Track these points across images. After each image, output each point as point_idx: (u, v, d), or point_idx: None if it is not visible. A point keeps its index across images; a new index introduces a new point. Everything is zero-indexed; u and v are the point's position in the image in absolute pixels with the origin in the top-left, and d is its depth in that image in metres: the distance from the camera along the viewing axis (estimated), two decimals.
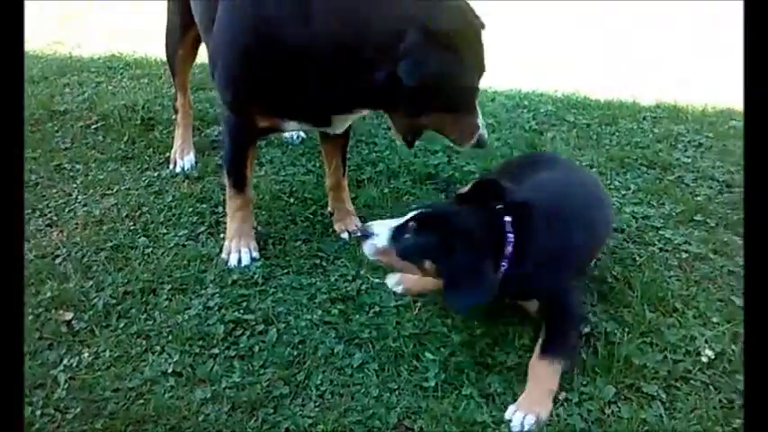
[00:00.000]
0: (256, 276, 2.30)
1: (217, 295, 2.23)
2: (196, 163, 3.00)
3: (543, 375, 1.87)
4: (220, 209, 2.65)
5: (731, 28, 4.86)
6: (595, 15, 5.31)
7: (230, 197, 2.41)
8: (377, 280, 2.29)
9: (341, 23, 1.88)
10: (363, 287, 2.27)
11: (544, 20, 5.26)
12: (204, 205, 2.70)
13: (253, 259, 2.38)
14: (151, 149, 3.13)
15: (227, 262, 2.37)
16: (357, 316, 2.14)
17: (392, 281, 2.26)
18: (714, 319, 2.14)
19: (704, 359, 1.98)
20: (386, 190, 2.81)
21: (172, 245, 2.47)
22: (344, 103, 2.09)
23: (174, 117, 3.10)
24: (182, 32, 2.81)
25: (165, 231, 2.55)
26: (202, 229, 2.56)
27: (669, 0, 5.41)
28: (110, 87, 3.82)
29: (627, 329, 2.08)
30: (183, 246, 2.47)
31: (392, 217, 2.50)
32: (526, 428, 1.76)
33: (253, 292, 2.24)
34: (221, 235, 2.49)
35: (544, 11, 5.43)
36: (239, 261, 2.37)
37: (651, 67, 4.16)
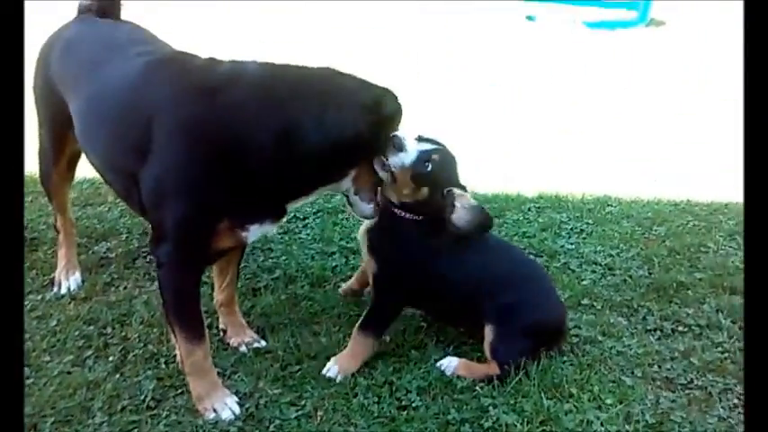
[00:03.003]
0: (148, 399, 2.19)
1: (105, 424, 2.11)
2: (83, 282, 2.88)
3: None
4: (109, 329, 2.55)
5: (596, 115, 5.29)
6: (473, 114, 5.62)
7: (190, 351, 2.15)
8: (276, 391, 2.24)
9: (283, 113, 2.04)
10: (262, 401, 2.21)
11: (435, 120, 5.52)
12: (91, 327, 2.57)
13: (240, 406, 2.18)
14: (34, 271, 2.98)
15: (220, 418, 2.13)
16: None
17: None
18: (608, 401, 2.21)
19: None
20: (283, 296, 2.79)
21: (56, 373, 2.33)
22: (306, 184, 2.17)
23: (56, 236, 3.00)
24: (55, 157, 2.72)
25: (49, 359, 2.40)
26: (89, 353, 2.43)
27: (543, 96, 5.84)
28: None
29: (526, 419, 2.11)
30: (69, 373, 2.33)
31: (291, 324, 2.52)
32: (332, 374, 2.29)
33: (144, 416, 2.13)
34: (110, 358, 2.39)
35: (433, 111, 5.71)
36: (230, 414, 2.15)
37: (531, 160, 4.41)
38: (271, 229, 2.26)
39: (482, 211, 2.30)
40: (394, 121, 2.20)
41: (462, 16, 8.24)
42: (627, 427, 2.09)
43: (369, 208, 2.28)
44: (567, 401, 2.21)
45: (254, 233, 2.18)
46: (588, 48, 7.72)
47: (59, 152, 2.70)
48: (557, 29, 8.50)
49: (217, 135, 2.03)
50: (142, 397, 2.21)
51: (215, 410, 2.14)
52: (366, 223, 2.46)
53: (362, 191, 2.24)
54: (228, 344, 2.49)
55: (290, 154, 2.03)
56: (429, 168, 2.26)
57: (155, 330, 2.55)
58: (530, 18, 9.07)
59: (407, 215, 2.35)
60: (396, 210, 2.36)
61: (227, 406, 2.15)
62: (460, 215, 2.24)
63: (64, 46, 2.56)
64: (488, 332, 2.33)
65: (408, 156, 2.24)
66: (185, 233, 2.10)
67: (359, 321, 2.41)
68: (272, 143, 2.02)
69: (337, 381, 2.29)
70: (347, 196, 2.27)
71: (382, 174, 2.25)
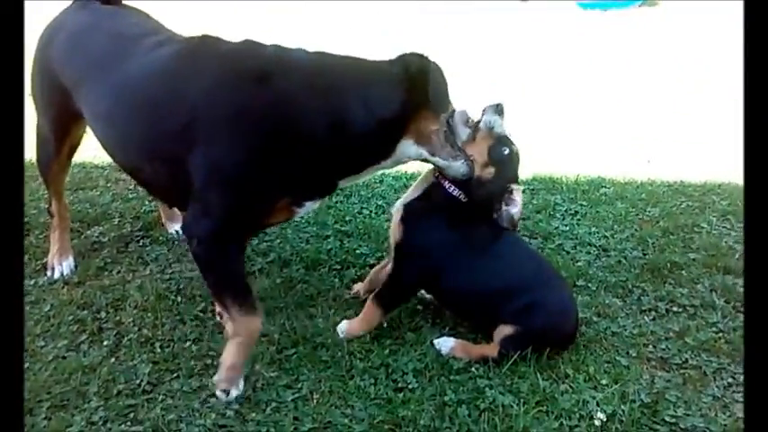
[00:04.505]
0: (143, 383, 2.19)
1: (101, 408, 2.09)
2: (76, 267, 2.86)
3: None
4: (103, 314, 2.53)
5: (589, 97, 5.28)
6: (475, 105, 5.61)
7: (251, 321, 2.15)
8: (273, 374, 2.24)
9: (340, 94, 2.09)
10: (259, 384, 2.20)
11: None
12: (85, 312, 2.55)
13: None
14: (27, 256, 2.95)
15: (228, 394, 2.14)
16: (253, 415, 2.07)
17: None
18: (603, 381, 2.22)
19: (597, 422, 2.04)
20: (278, 280, 2.78)
21: (50, 358, 2.31)
22: (360, 162, 2.20)
23: (50, 220, 2.97)
24: (56, 147, 2.67)
25: (43, 344, 2.39)
26: (84, 337, 2.42)
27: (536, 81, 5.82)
28: None
29: (523, 400, 2.12)
30: (63, 358, 2.32)
31: (287, 308, 2.52)
32: (341, 331, 2.42)
33: (140, 401, 2.12)
34: (104, 342, 2.37)
35: None
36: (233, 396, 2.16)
37: (525, 142, 4.38)
38: (321, 203, 2.31)
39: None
40: (425, 78, 2.16)
41: (462, 16, 8.20)
42: (622, 406, 2.10)
43: (460, 165, 2.24)
44: (563, 382, 2.22)
45: (306, 208, 2.24)
46: (581, 29, 7.68)
47: (61, 143, 2.66)
48: (549, 9, 8.45)
49: (272, 123, 2.04)
50: (137, 381, 2.20)
51: (230, 387, 2.14)
52: (405, 196, 2.47)
53: (440, 150, 2.21)
54: (225, 327, 2.47)
55: (342, 138, 2.07)
56: (506, 152, 2.31)
57: (149, 315, 2.53)
58: None
59: (456, 192, 2.33)
60: (446, 184, 2.34)
61: (238, 388, 2.16)
62: (518, 210, 2.29)
63: (68, 36, 2.49)
64: (503, 328, 2.30)
65: (501, 125, 2.33)
66: (237, 215, 2.12)
67: (376, 290, 2.45)
68: (326, 129, 2.05)
69: (342, 337, 2.40)
70: (428, 160, 2.24)
71: (463, 130, 2.28)
